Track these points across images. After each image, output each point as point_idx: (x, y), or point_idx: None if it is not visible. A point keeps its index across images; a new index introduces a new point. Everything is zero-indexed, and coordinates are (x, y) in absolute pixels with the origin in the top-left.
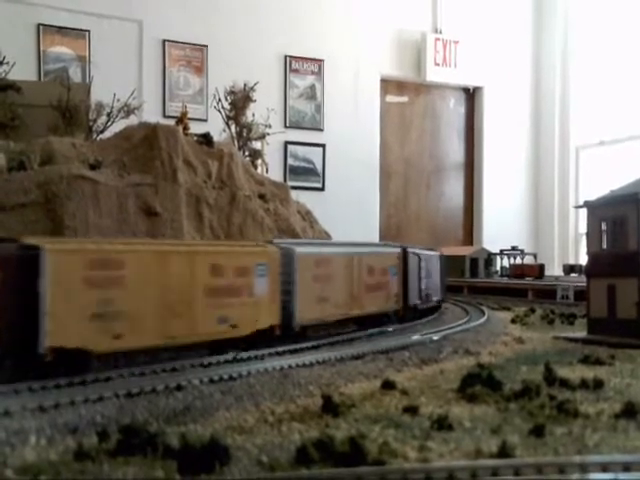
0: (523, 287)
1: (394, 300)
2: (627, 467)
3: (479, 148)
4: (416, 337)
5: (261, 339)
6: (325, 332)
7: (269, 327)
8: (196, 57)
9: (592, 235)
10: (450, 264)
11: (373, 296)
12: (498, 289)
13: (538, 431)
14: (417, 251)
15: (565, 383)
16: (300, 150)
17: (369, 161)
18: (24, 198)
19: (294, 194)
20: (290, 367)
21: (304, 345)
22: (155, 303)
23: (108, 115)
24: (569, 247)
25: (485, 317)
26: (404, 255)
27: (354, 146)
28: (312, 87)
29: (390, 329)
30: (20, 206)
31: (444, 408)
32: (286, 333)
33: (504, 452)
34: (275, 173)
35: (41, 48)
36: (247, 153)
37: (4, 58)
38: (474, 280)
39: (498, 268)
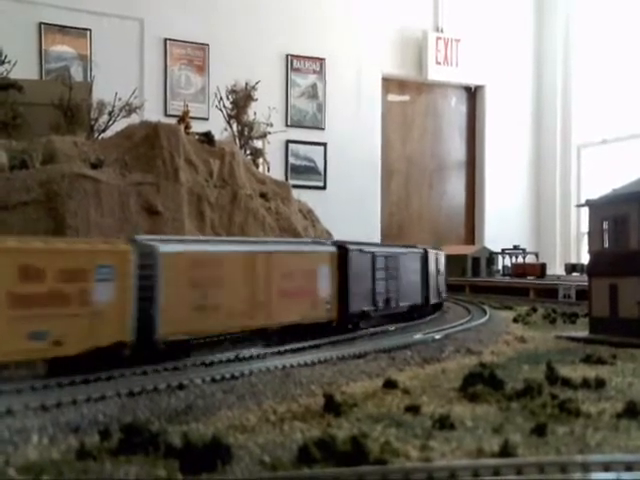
0: (525, 286)
1: (324, 307)
2: (629, 467)
3: (481, 147)
4: (418, 336)
5: (104, 359)
6: (220, 348)
7: (115, 344)
8: (197, 56)
9: (594, 234)
10: (452, 263)
11: (291, 303)
12: (500, 288)
13: (540, 430)
14: (371, 249)
15: (567, 382)
16: (301, 149)
17: (371, 160)
18: (26, 197)
19: (295, 193)
20: (292, 366)
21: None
22: None
23: (110, 114)
24: (571, 246)
25: (487, 316)
26: (342, 254)
27: (355, 145)
28: (313, 86)
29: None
30: (22, 204)
31: (446, 407)
32: (144, 351)
33: (506, 451)
34: (276, 172)
35: (42, 47)
36: (248, 152)
37: (6, 57)
38: (476, 279)
39: (500, 267)
